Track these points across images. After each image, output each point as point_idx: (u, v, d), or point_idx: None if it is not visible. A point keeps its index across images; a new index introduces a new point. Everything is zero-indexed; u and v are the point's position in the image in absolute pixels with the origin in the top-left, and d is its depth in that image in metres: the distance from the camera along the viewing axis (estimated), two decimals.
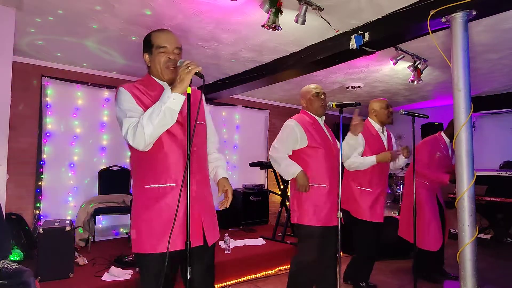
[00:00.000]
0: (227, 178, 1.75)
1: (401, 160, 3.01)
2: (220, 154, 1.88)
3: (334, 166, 2.37)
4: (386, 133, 3.04)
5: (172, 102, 1.41)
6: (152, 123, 1.39)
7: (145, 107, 1.50)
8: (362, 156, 2.87)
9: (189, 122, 1.40)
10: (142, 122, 1.40)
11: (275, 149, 2.39)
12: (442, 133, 3.51)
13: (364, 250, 2.97)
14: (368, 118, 3.06)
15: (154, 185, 1.52)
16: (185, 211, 1.43)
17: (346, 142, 2.40)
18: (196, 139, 1.57)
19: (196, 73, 1.42)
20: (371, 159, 2.81)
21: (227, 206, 1.68)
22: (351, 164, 2.82)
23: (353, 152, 2.76)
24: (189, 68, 1.41)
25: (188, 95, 1.42)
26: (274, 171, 4.95)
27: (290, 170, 2.31)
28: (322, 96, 2.44)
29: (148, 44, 1.61)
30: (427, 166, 3.30)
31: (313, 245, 2.31)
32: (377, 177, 2.89)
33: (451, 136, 3.45)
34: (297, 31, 3.13)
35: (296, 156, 2.40)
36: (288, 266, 3.70)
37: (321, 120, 2.49)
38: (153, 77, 1.62)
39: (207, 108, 1.84)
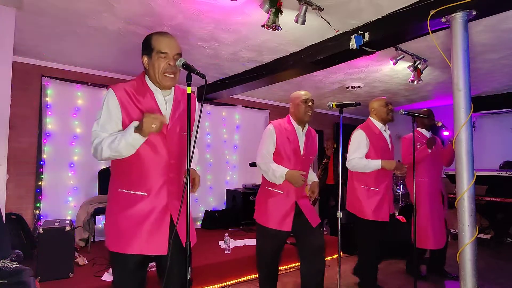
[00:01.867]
0: (194, 170, 1.73)
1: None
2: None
3: None
4: (388, 132, 3.02)
5: (132, 140, 1.43)
6: (110, 150, 1.46)
7: (128, 117, 1.51)
8: (366, 156, 2.85)
9: (189, 124, 1.39)
10: (103, 145, 1.46)
11: (260, 156, 2.44)
12: (418, 129, 3.42)
13: (368, 251, 2.93)
14: (370, 117, 3.02)
15: (126, 191, 1.54)
16: (157, 218, 1.52)
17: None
18: (178, 149, 1.59)
19: (197, 73, 1.41)
20: (376, 163, 2.78)
21: (194, 192, 1.65)
22: (355, 165, 2.82)
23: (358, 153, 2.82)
24: (153, 126, 1.40)
25: (189, 95, 1.41)
26: None
27: (277, 174, 2.34)
28: (310, 104, 2.45)
29: (148, 47, 1.57)
30: (410, 156, 3.12)
31: (263, 243, 2.46)
32: (383, 175, 2.85)
33: (427, 127, 3.40)
34: (297, 31, 3.13)
35: None
36: (288, 266, 3.74)
37: (301, 130, 2.48)
38: (147, 79, 1.60)
39: (197, 111, 1.77)
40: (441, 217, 3.33)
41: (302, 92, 2.51)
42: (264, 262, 2.49)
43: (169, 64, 1.54)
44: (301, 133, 2.48)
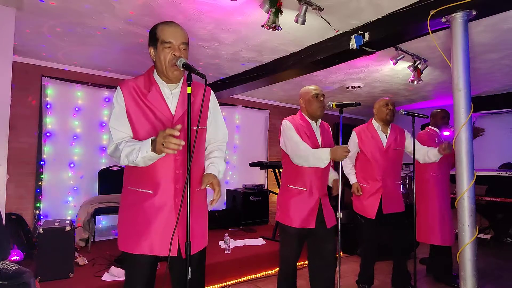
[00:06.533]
0: (214, 175, 1.58)
1: (432, 154, 2.93)
2: (220, 153, 1.72)
3: (320, 171, 2.35)
4: (389, 131, 3.04)
5: (148, 157, 1.40)
6: (128, 161, 1.43)
7: (134, 112, 1.50)
8: (359, 156, 3.08)
9: (189, 126, 1.37)
10: (121, 154, 1.44)
11: (294, 150, 2.31)
12: (431, 127, 3.48)
13: (363, 249, 3.05)
14: (372, 118, 3.15)
15: (134, 188, 1.53)
16: (164, 217, 1.48)
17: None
18: (186, 145, 1.51)
19: (197, 73, 1.38)
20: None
21: (211, 204, 1.54)
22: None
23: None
24: (163, 147, 1.32)
25: (189, 95, 1.38)
26: (274, 171, 4.95)
27: (320, 155, 2.22)
28: (321, 98, 2.41)
29: (153, 38, 1.51)
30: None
31: (287, 243, 2.39)
32: (373, 172, 2.93)
33: (439, 126, 3.46)
34: (297, 31, 3.12)
35: (283, 156, 2.45)
36: None
37: (315, 124, 2.45)
38: (155, 73, 1.57)
39: (213, 105, 1.71)
40: (450, 216, 3.28)
41: (312, 87, 2.46)
42: (288, 265, 2.40)
43: (174, 54, 1.48)
44: (315, 127, 2.45)
